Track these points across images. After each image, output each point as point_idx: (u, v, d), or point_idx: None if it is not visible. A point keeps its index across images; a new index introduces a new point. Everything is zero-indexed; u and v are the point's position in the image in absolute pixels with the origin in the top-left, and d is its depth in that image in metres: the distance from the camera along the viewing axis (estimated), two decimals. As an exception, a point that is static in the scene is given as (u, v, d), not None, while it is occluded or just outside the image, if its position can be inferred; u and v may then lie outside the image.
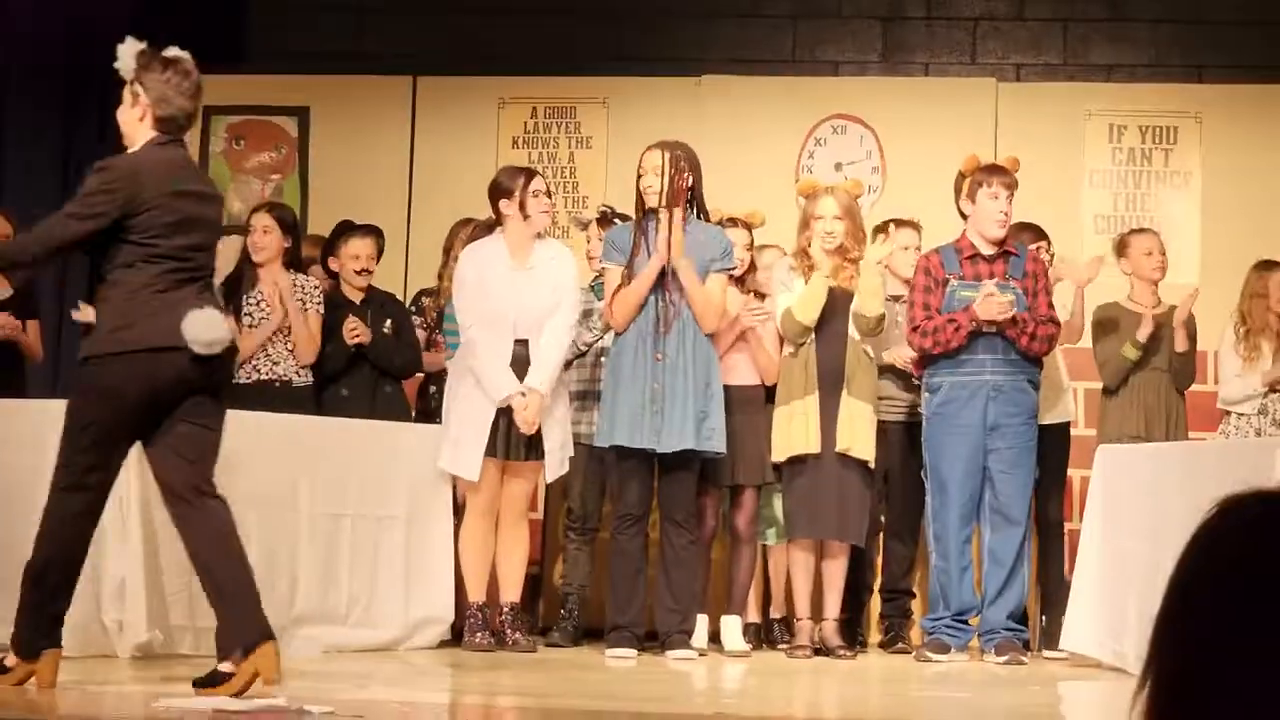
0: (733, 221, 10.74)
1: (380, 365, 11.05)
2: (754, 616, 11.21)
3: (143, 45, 7.95)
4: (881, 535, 11.12)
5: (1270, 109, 13.01)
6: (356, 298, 11.17)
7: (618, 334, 10.20)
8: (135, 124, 7.85)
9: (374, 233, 11.41)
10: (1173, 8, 13.55)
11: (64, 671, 7.99)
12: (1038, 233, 11.29)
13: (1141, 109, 13.27)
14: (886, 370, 10.93)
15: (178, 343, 7.16)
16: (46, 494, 8.48)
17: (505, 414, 10.02)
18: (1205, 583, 2.64)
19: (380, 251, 11.36)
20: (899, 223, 11.48)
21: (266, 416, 9.91)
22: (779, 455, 10.47)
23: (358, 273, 11.17)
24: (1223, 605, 2.57)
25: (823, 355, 10.42)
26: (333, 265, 11.26)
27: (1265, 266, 11.28)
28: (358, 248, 11.21)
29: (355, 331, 10.84)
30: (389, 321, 11.07)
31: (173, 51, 8.02)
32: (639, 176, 10.23)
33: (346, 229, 11.37)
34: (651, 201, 10.16)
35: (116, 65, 7.97)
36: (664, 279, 10.06)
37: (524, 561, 10.42)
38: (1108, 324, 11.32)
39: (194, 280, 7.50)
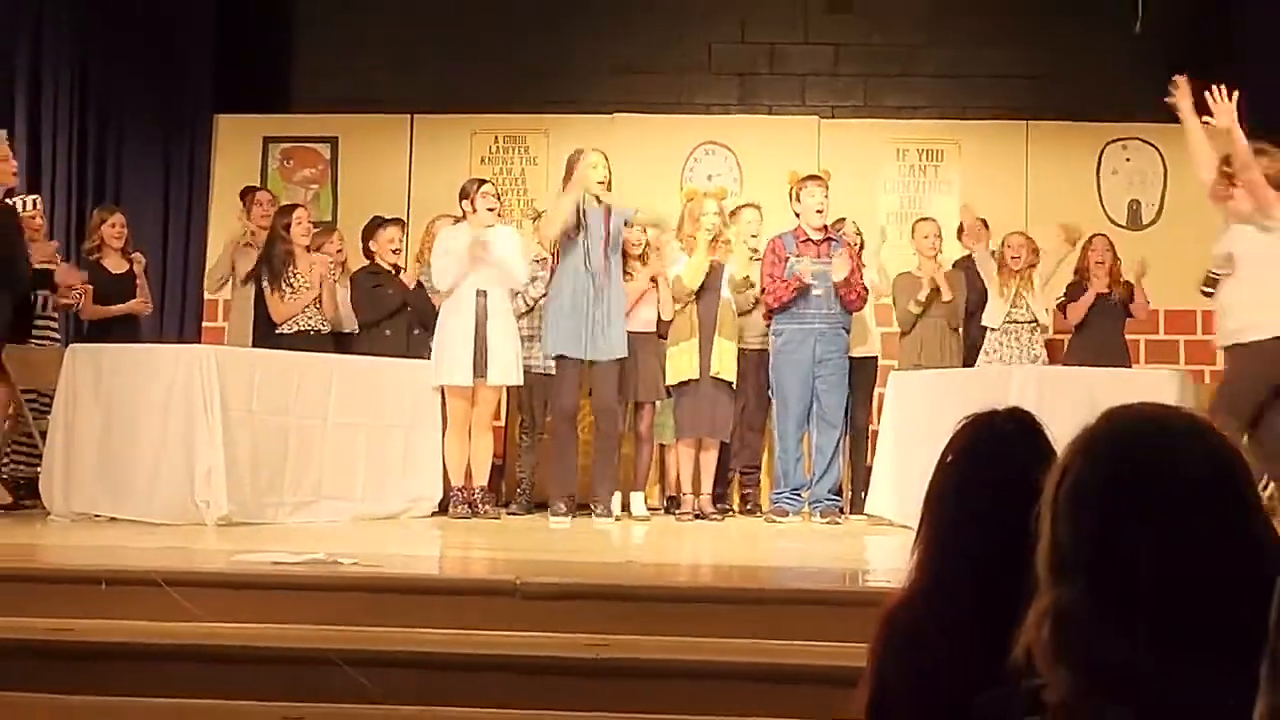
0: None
1: (418, 317, 11.03)
2: (655, 494, 11.28)
3: None
4: (743, 430, 11.14)
5: (1008, 138, 13.05)
6: (392, 269, 11.14)
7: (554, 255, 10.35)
8: None
9: (400, 223, 11.50)
10: (941, 66, 13.54)
11: (165, 537, 7.95)
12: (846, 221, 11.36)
13: (919, 137, 13.27)
14: (746, 314, 10.95)
15: None
16: (164, 418, 8.63)
17: (476, 344, 10.03)
18: (955, 469, 2.70)
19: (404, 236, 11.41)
20: (740, 207, 11.62)
21: (304, 355, 9.93)
22: (671, 380, 10.56)
23: (393, 252, 11.17)
24: (965, 480, 2.63)
25: (702, 310, 10.57)
26: (371, 246, 11.19)
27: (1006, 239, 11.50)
28: (391, 234, 11.19)
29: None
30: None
31: None
32: (591, 168, 10.18)
33: (380, 222, 11.34)
34: (600, 189, 10.18)
35: None
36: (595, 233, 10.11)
37: (490, 455, 10.38)
38: (899, 287, 11.45)
39: None
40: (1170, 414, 1.79)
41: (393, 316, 10.98)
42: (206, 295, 12.71)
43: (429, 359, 10.38)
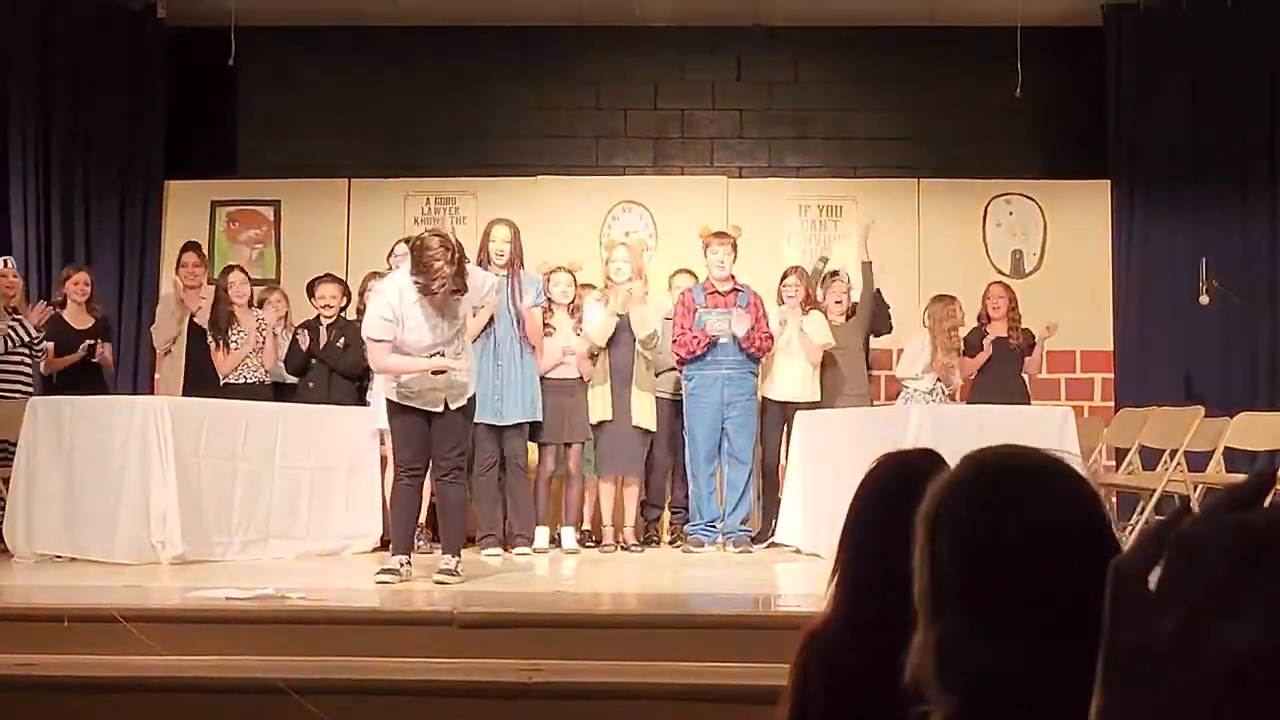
0: (559, 268, 10.69)
1: (329, 367, 10.88)
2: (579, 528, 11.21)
3: None
4: (670, 472, 11.12)
5: (901, 194, 13.12)
6: (326, 323, 10.98)
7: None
8: None
9: (337, 280, 11.30)
10: (835, 129, 13.63)
11: (124, 575, 7.88)
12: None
13: (818, 194, 13.32)
14: (665, 371, 10.93)
15: None
16: (121, 464, 8.49)
17: None
18: (870, 503, 2.71)
19: (345, 293, 11.22)
20: (679, 271, 11.64)
21: (251, 404, 9.93)
22: (591, 420, 10.53)
23: (323, 307, 11.00)
24: (879, 514, 2.65)
25: (614, 360, 10.56)
26: (313, 303, 11.13)
27: (935, 300, 11.57)
28: (324, 290, 11.06)
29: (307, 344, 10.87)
30: (342, 339, 10.88)
31: None
32: (490, 241, 10.22)
33: (318, 279, 11.26)
34: (501, 261, 10.12)
35: None
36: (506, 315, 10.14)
37: (428, 495, 10.32)
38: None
39: None
40: (1026, 450, 1.84)
41: (307, 370, 10.93)
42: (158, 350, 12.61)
43: (352, 405, 10.42)
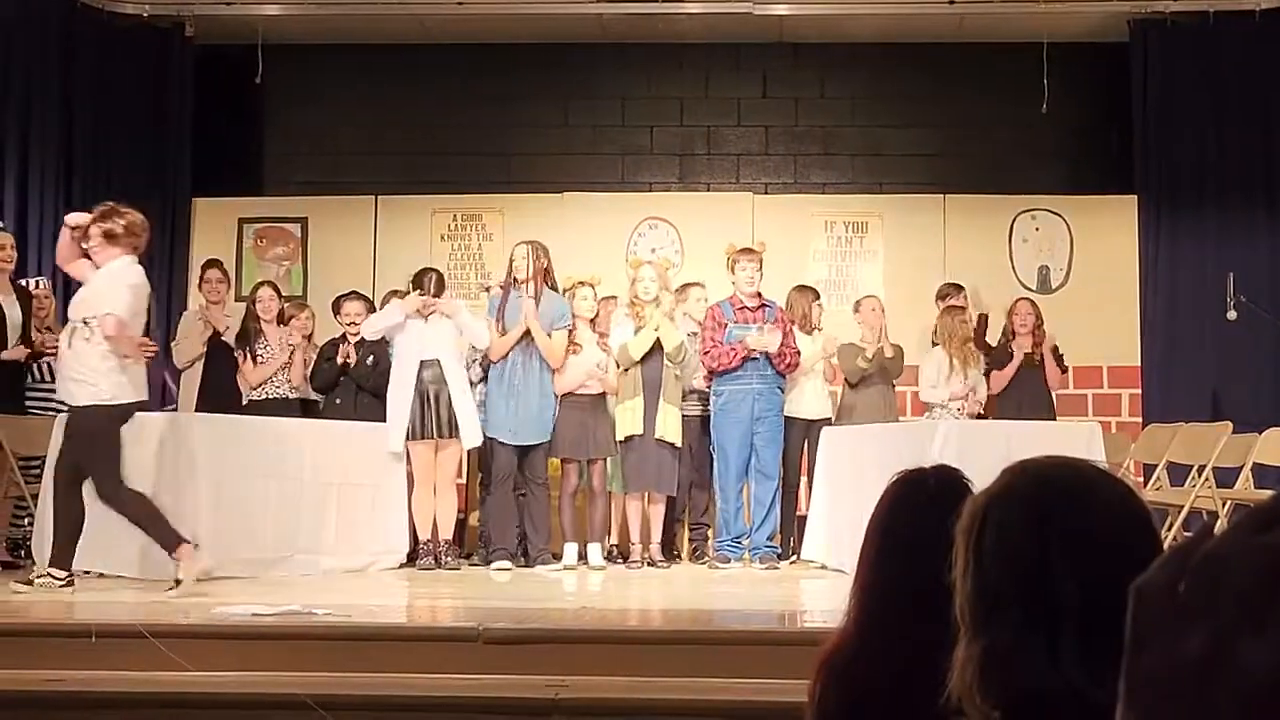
0: (582, 283, 10.70)
1: (357, 384, 10.87)
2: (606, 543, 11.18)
3: None
4: (690, 488, 11.08)
5: (926, 210, 13.10)
6: (353, 341, 10.97)
7: (494, 362, 10.30)
8: None
9: (362, 297, 11.36)
10: (861, 145, 13.62)
11: (149, 590, 7.88)
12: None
13: (844, 211, 13.31)
14: (691, 392, 10.90)
15: None
16: (150, 480, 8.48)
17: (425, 405, 10.08)
18: (888, 522, 2.73)
19: (370, 310, 11.21)
20: (687, 285, 11.54)
21: (279, 420, 10.03)
22: (619, 435, 10.52)
23: (349, 324, 11.01)
24: (896, 533, 2.67)
25: (646, 373, 10.49)
26: (338, 320, 11.17)
27: (942, 314, 11.40)
28: (349, 307, 11.09)
29: (345, 357, 10.88)
30: (371, 357, 10.87)
31: None
32: (511, 260, 10.47)
33: (343, 296, 11.31)
34: (520, 275, 10.31)
35: None
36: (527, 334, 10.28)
37: (454, 511, 10.33)
38: (845, 354, 11.26)
39: None
40: (1075, 461, 1.86)
41: (335, 387, 10.95)
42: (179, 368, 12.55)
43: (377, 422, 10.43)
